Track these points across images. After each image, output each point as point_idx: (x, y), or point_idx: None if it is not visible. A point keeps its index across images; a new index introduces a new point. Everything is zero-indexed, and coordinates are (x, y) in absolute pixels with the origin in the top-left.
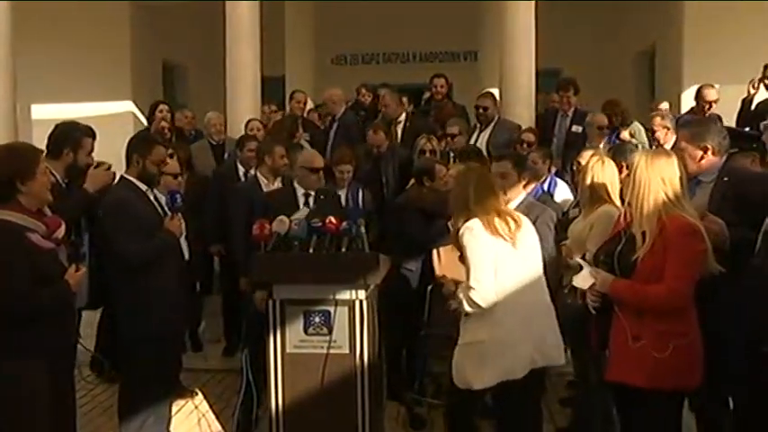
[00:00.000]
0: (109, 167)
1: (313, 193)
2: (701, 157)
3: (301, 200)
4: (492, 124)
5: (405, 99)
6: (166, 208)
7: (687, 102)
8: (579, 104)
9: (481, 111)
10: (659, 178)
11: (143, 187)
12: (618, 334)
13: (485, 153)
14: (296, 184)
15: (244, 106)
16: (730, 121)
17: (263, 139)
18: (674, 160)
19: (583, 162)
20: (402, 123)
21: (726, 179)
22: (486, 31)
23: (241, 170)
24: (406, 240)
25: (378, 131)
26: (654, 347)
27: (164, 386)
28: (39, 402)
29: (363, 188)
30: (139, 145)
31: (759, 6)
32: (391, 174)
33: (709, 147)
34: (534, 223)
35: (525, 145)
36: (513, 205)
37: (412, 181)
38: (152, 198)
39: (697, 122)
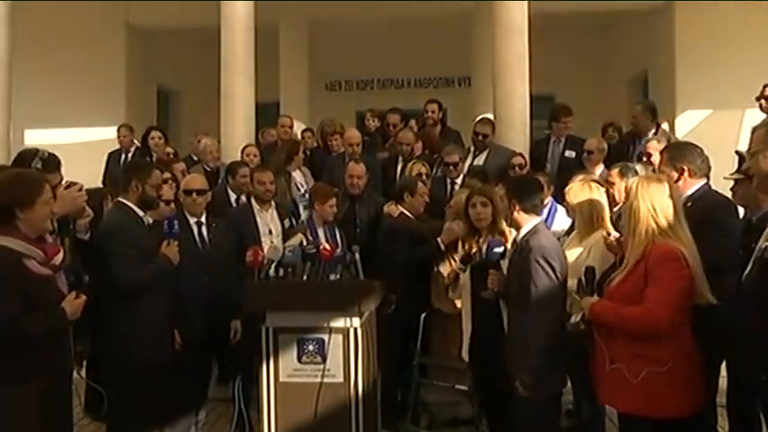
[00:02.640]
0: (81, 188)
1: (199, 219)
2: (678, 179)
3: (195, 228)
4: (487, 150)
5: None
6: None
7: (681, 127)
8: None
9: (480, 137)
10: (650, 205)
11: (139, 212)
12: (597, 357)
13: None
14: (186, 212)
15: (238, 132)
16: (725, 146)
17: (256, 164)
18: (666, 186)
19: (572, 187)
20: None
21: (689, 204)
22: (479, 57)
23: (232, 196)
24: (396, 263)
25: (358, 162)
26: (628, 371)
27: (156, 419)
28: (32, 429)
29: (338, 227)
30: (138, 169)
31: (751, 30)
32: (365, 218)
33: (685, 168)
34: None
35: (517, 169)
36: (525, 230)
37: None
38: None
39: (676, 145)
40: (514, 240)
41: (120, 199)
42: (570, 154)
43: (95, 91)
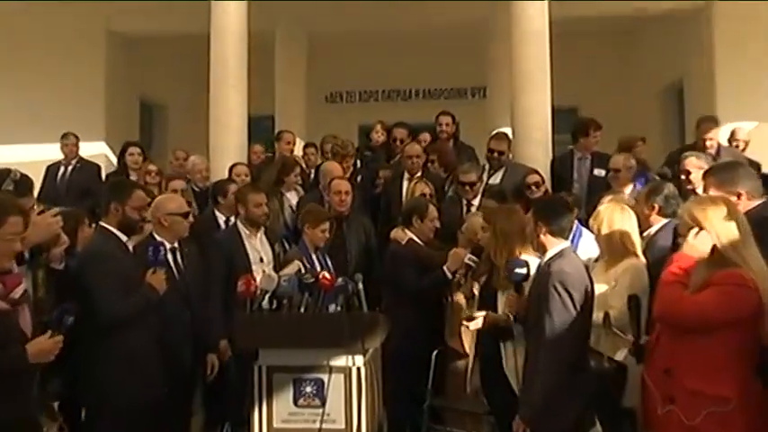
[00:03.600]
0: (56, 214)
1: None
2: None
3: (169, 255)
4: (503, 168)
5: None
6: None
7: (724, 141)
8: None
9: (496, 155)
10: (714, 232)
11: (122, 237)
12: (647, 400)
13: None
14: (156, 236)
15: (229, 149)
16: None
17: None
18: (725, 208)
19: (599, 210)
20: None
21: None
22: (495, 65)
23: (221, 218)
24: (402, 294)
25: (343, 177)
26: (684, 412)
27: None
28: None
29: (326, 254)
30: (117, 190)
31: None
32: (355, 243)
33: (741, 192)
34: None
35: (533, 188)
36: (550, 254)
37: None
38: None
39: (723, 167)
40: (539, 264)
41: (102, 223)
42: (599, 172)
43: (72, 104)
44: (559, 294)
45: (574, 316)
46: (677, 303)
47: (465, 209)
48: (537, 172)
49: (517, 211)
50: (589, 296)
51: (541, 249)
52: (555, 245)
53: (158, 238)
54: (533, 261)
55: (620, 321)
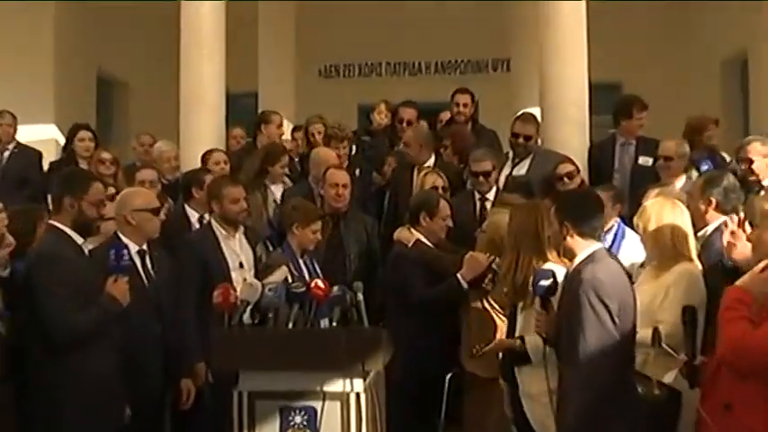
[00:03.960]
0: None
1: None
2: None
3: (137, 259)
4: (530, 155)
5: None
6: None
7: None
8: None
9: (521, 140)
10: None
11: (78, 239)
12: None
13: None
14: (122, 236)
15: (203, 133)
16: None
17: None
18: None
19: (645, 206)
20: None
21: None
22: (521, 34)
23: (193, 216)
24: (406, 303)
25: (340, 168)
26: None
27: None
28: None
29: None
30: (72, 182)
31: None
32: (354, 245)
33: None
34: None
35: (565, 179)
36: (579, 259)
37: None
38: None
39: None
40: (567, 272)
41: (52, 221)
42: (645, 161)
43: (15, 79)
44: (593, 306)
45: (610, 331)
46: (742, 342)
47: (478, 204)
48: (570, 160)
49: (542, 207)
50: (631, 309)
51: (569, 254)
52: (585, 247)
53: (124, 239)
54: (560, 270)
55: (673, 338)
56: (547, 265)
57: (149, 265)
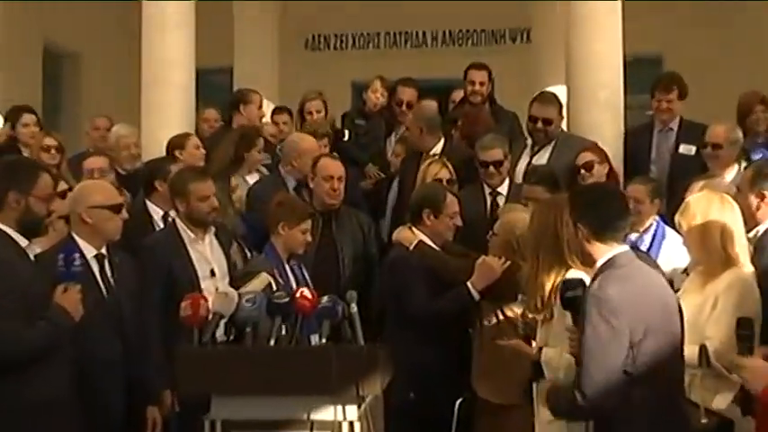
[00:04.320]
0: None
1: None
2: None
3: (94, 266)
4: (552, 142)
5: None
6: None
7: None
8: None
9: (540, 124)
10: None
11: (22, 242)
12: None
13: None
14: (77, 238)
15: (169, 115)
16: None
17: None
18: None
19: (689, 201)
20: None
21: None
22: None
23: (156, 213)
24: (407, 315)
25: (335, 158)
26: None
27: None
28: None
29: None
30: (16, 175)
31: None
32: (348, 248)
33: None
34: None
35: (583, 171)
36: (598, 266)
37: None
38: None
39: None
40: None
41: None
42: (688, 149)
43: None
44: (594, 327)
45: (616, 360)
46: None
47: (489, 199)
48: (594, 149)
49: (562, 204)
50: (662, 328)
51: (588, 261)
52: (604, 252)
53: (79, 240)
54: (588, 279)
55: (723, 356)
56: (574, 273)
57: (108, 273)
